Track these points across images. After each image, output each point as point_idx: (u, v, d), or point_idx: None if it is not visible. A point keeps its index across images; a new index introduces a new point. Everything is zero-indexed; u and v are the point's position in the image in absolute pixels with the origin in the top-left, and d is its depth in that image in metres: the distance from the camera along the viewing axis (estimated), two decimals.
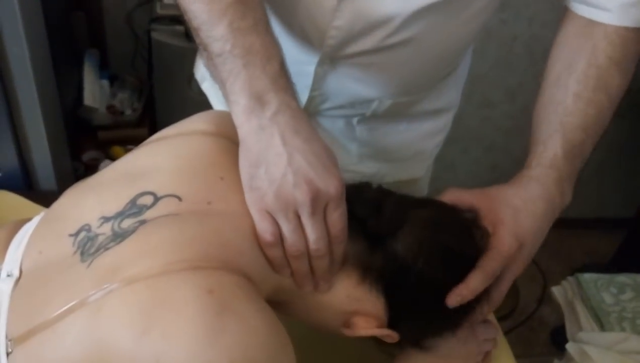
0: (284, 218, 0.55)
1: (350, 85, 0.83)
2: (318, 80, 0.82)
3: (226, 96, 0.59)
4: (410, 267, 0.60)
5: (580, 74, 0.69)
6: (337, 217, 0.56)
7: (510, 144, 2.05)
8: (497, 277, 0.62)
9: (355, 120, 0.92)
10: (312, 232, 0.56)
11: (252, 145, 0.56)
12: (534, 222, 0.64)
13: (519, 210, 0.64)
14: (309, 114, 0.90)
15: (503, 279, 0.63)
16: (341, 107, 0.88)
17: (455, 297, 0.60)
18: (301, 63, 0.81)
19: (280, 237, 0.56)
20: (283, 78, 0.58)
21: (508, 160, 2.09)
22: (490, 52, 1.85)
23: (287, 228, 0.55)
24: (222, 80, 0.58)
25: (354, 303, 0.61)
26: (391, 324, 0.62)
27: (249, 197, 0.56)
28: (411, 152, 0.99)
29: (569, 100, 0.69)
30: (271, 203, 0.55)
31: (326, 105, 0.88)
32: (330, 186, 0.55)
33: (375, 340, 0.65)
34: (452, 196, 0.67)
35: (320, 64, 0.80)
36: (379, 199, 0.63)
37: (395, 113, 0.90)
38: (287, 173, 0.54)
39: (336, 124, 0.93)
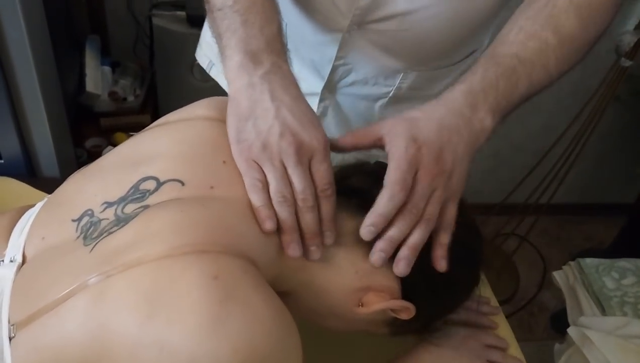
0: (270, 166, 0.56)
1: (376, 54, 0.81)
2: (344, 47, 0.81)
3: (221, 50, 0.60)
4: None
5: (533, 11, 0.66)
6: (324, 170, 0.56)
7: (511, 131, 2.05)
8: (414, 189, 0.56)
9: (377, 105, 0.90)
10: (298, 182, 0.56)
11: (241, 100, 0.57)
12: (432, 123, 0.58)
13: (415, 119, 0.59)
14: (331, 89, 0.89)
15: (416, 189, 0.56)
16: (365, 81, 0.86)
17: (368, 228, 0.56)
18: (326, 32, 0.80)
19: (266, 185, 0.56)
20: (278, 43, 0.59)
21: (507, 146, 2.09)
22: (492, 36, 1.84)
23: (273, 175, 0.56)
24: (220, 33, 0.60)
25: (364, 278, 0.60)
26: (404, 298, 0.61)
27: (236, 149, 0.57)
28: None
29: (511, 33, 0.65)
30: (257, 152, 0.56)
31: (350, 78, 0.86)
32: (314, 139, 0.56)
33: (390, 326, 0.65)
34: (353, 138, 0.62)
35: (348, 29, 0.78)
36: (379, 172, 0.62)
37: (416, 94, 0.88)
38: (273, 125, 0.56)
39: (357, 106, 0.91)
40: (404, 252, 0.57)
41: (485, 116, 0.61)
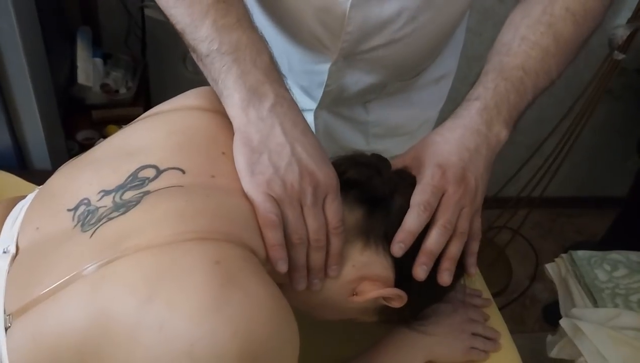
0: (289, 205, 0.56)
1: (364, 76, 0.85)
2: (332, 77, 0.84)
3: (219, 93, 0.60)
4: None
5: (532, 20, 0.69)
6: (336, 208, 0.58)
7: None
8: (440, 210, 0.61)
9: (365, 104, 0.95)
10: (313, 222, 0.57)
11: (252, 133, 0.57)
12: (453, 146, 0.64)
13: (437, 143, 0.65)
14: (324, 107, 0.92)
15: (446, 207, 0.61)
16: (355, 95, 0.90)
17: (399, 244, 0.59)
18: (314, 63, 0.83)
19: (282, 221, 0.56)
20: (274, 71, 0.60)
21: None
22: (487, 32, 1.84)
23: (292, 215, 0.56)
24: (214, 78, 0.60)
25: (360, 270, 0.62)
26: (398, 287, 0.62)
27: (251, 181, 0.57)
28: (419, 123, 1.02)
29: (514, 43, 0.69)
30: (278, 189, 0.56)
31: (342, 95, 0.90)
32: (328, 178, 0.57)
33: (380, 314, 0.66)
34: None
35: (334, 62, 0.82)
36: (377, 163, 0.64)
37: (403, 89, 0.93)
38: (291, 162, 0.56)
39: (347, 110, 0.95)
40: (445, 264, 0.62)
41: (501, 129, 0.65)
